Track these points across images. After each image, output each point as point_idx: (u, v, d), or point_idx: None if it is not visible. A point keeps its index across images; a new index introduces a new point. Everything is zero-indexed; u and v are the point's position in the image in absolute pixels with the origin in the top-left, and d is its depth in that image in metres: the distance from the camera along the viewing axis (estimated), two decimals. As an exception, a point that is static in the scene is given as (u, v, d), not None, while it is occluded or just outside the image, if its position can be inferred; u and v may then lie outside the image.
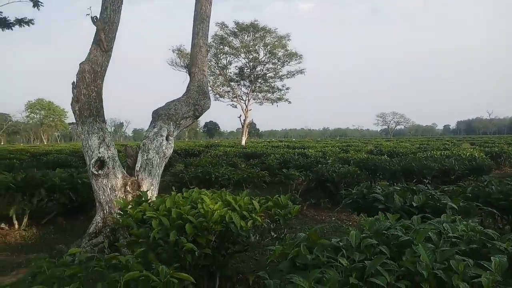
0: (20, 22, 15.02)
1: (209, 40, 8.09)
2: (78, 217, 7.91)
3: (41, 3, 14.44)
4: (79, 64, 6.24)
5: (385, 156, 14.05)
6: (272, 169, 10.65)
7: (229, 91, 45.00)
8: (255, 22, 40.76)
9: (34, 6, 14.39)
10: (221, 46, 42.26)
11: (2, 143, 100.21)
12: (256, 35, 41.53)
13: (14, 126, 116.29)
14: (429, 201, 4.42)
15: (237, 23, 41.04)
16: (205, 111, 7.44)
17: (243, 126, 43.57)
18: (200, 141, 62.53)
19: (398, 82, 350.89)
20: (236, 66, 44.02)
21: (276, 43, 41.65)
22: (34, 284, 2.43)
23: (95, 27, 6.30)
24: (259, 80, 44.10)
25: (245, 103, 44.34)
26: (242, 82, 44.72)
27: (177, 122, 6.94)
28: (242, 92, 45.24)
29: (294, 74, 43.63)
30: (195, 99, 7.21)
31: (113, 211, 5.70)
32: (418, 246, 2.46)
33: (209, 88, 8.21)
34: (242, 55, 42.76)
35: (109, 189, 5.86)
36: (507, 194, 5.04)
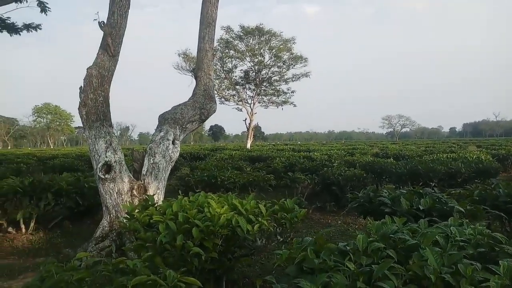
0: (28, 27, 15.17)
1: (215, 44, 8.11)
2: (85, 221, 7.96)
3: (49, 8, 14.57)
4: (86, 69, 6.29)
5: (391, 159, 14.00)
6: (277, 172, 10.66)
7: (234, 95, 45.09)
8: (260, 26, 40.86)
9: (41, 11, 14.50)
10: (227, 50, 42.35)
11: (9, 147, 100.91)
12: (262, 39, 41.58)
13: (21, 131, 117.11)
14: (436, 204, 4.40)
15: (242, 27, 41.16)
16: (211, 115, 7.46)
17: (248, 130, 43.58)
18: (205, 145, 62.66)
19: (404, 84, 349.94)
20: (242, 69, 44.16)
21: (281, 46, 41.68)
22: (42, 288, 2.45)
23: (102, 32, 6.35)
24: (264, 84, 44.13)
25: (250, 107, 44.37)
26: (247, 86, 44.77)
27: (183, 126, 6.96)
28: (247, 95, 45.33)
29: (299, 77, 43.64)
30: (201, 103, 7.23)
31: (120, 215, 5.72)
32: (425, 250, 2.45)
33: (215, 91, 8.23)
34: (248, 58, 42.82)
35: (116, 193, 5.89)
36: (514, 197, 5.00)
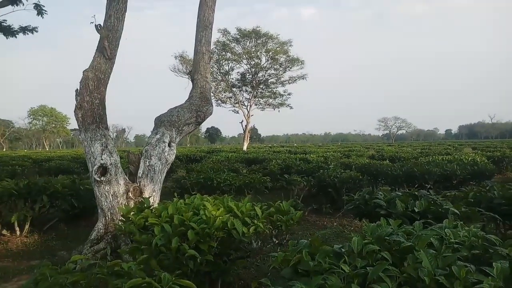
0: (24, 30, 15.16)
1: (212, 46, 8.13)
2: (80, 223, 7.93)
3: (45, 11, 14.55)
4: (83, 72, 6.29)
5: (387, 161, 14.05)
6: (273, 174, 10.66)
7: (231, 97, 45.12)
8: (257, 28, 40.97)
9: (38, 14, 14.49)
10: (224, 52, 42.43)
11: (4, 149, 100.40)
12: (258, 41, 41.69)
13: (17, 133, 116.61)
14: (431, 206, 4.42)
15: (239, 30, 41.27)
16: (207, 117, 7.47)
17: (244, 132, 43.61)
18: (201, 147, 62.59)
19: (400, 87, 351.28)
20: (238, 72, 44.27)
21: (278, 49, 41.78)
22: (36, 291, 2.44)
23: (99, 35, 6.35)
24: (261, 86, 44.20)
25: (246, 109, 44.44)
26: (244, 88, 44.85)
27: (180, 129, 6.96)
28: (244, 97, 45.39)
29: (295, 79, 43.76)
30: (198, 106, 7.23)
31: (115, 217, 5.71)
32: (420, 252, 2.46)
33: (211, 94, 8.23)
34: (244, 61, 42.92)
35: (111, 195, 5.88)
36: (509, 199, 5.03)
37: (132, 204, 5.81)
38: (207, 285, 3.79)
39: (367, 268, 2.36)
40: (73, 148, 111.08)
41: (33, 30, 15.32)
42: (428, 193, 5.11)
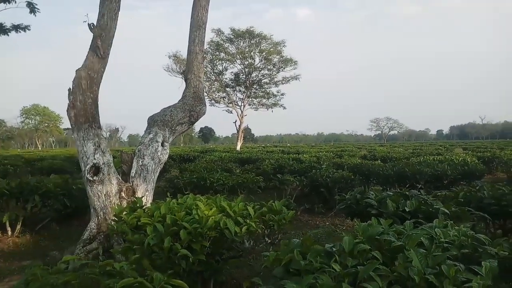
0: (17, 28, 15.03)
1: (205, 46, 8.14)
2: (73, 223, 7.90)
3: (38, 9, 14.45)
4: (76, 71, 6.26)
5: (379, 161, 14.14)
6: (266, 174, 10.69)
7: (224, 97, 45.08)
8: (251, 29, 41.00)
9: (30, 12, 14.37)
10: (217, 52, 42.40)
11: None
12: (252, 42, 41.71)
13: (9, 132, 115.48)
14: (422, 206, 4.46)
15: (233, 30, 41.26)
16: (201, 117, 7.47)
17: (238, 132, 43.61)
18: (195, 146, 62.47)
19: (393, 88, 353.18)
20: (232, 72, 44.25)
21: (271, 49, 41.83)
22: (28, 291, 2.43)
23: (92, 34, 6.32)
24: (255, 86, 44.23)
25: (240, 109, 44.45)
26: (237, 88, 44.85)
27: (173, 128, 6.96)
28: (237, 97, 45.38)
29: (289, 80, 43.83)
30: (191, 105, 7.23)
31: (108, 217, 5.70)
32: (410, 251, 2.49)
33: (205, 93, 8.24)
34: (238, 61, 42.92)
35: (104, 195, 5.86)
36: (498, 199, 5.09)
37: (124, 203, 5.79)
38: (200, 285, 3.80)
39: (358, 267, 2.38)
40: (66, 148, 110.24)
41: (25, 28, 15.19)
42: (419, 193, 5.16)
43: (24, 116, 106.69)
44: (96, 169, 5.91)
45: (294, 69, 43.35)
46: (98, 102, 6.43)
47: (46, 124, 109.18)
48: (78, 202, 7.37)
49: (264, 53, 41.93)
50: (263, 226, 4.02)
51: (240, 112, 44.22)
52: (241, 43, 41.96)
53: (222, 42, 41.82)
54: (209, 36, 41.44)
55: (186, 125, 7.28)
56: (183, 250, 3.17)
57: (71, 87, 6.21)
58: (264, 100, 45.53)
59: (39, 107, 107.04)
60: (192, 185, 8.50)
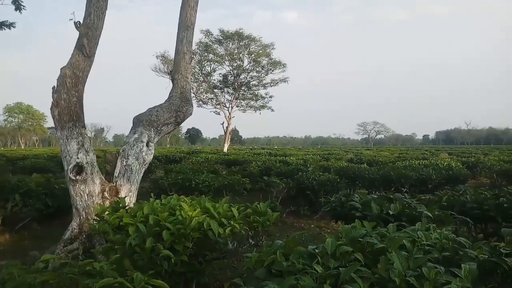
0: (1, 25, 14.77)
1: (194, 47, 8.10)
2: (54, 223, 7.76)
3: (24, 6, 14.21)
4: (60, 69, 6.16)
5: (365, 164, 14.24)
6: (253, 176, 10.67)
7: (212, 98, 44.99)
8: (240, 31, 41.05)
9: (16, 9, 14.13)
10: (206, 53, 42.31)
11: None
12: (241, 43, 41.76)
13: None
14: (406, 209, 4.50)
15: (222, 31, 41.24)
16: (187, 117, 7.42)
17: (225, 133, 43.54)
18: (181, 148, 62.09)
19: (380, 92, 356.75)
20: (220, 73, 44.22)
21: (260, 51, 41.95)
22: (4, 291, 2.37)
23: (78, 32, 6.24)
24: (243, 88, 44.26)
25: (228, 110, 44.39)
26: (225, 90, 44.83)
27: (158, 128, 6.90)
28: (225, 99, 45.34)
29: (277, 82, 43.98)
30: (177, 106, 7.18)
31: (90, 217, 5.61)
32: (392, 253, 2.50)
33: (193, 94, 8.21)
34: (227, 62, 42.92)
35: (87, 195, 5.77)
36: (480, 203, 5.16)
37: (107, 203, 5.71)
38: (182, 286, 3.76)
39: (340, 269, 2.38)
40: (50, 147, 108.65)
41: (10, 25, 14.95)
42: (403, 196, 5.21)
43: (7, 114, 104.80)
44: (79, 169, 5.83)
45: (282, 71, 43.55)
46: (83, 101, 6.35)
47: (30, 123, 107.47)
48: (61, 202, 7.25)
49: (253, 55, 42.00)
50: (247, 228, 4.00)
51: (228, 113, 44.19)
52: (230, 45, 41.98)
53: (210, 43, 41.78)
54: (197, 37, 41.44)
55: (172, 125, 7.22)
56: (165, 251, 3.13)
57: (55, 85, 6.12)
58: (252, 102, 45.60)
59: (22, 105, 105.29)
60: (177, 186, 8.43)
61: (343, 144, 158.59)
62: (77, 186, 5.76)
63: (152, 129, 6.75)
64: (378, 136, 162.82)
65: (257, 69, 43.20)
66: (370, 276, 2.34)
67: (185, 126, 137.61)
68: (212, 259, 3.97)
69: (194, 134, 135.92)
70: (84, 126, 6.24)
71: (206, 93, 44.96)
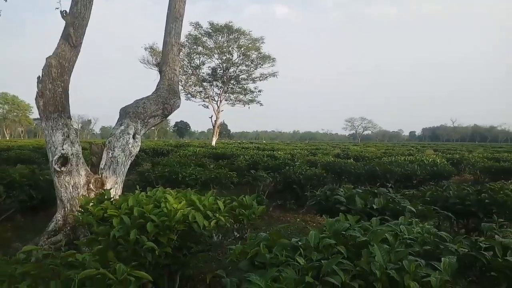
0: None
1: (183, 39, 8.05)
2: (39, 214, 7.67)
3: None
4: (46, 58, 6.06)
5: (351, 160, 14.35)
6: (240, 170, 10.68)
7: (201, 91, 44.79)
8: (230, 24, 40.82)
9: (-1, -3, 13.85)
10: (195, 46, 42.02)
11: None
12: (230, 37, 41.55)
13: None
14: (389, 204, 4.55)
15: (211, 24, 40.95)
16: (174, 110, 7.37)
17: (214, 127, 43.41)
18: (169, 141, 61.67)
19: (369, 89, 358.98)
20: (209, 66, 44.00)
21: (250, 45, 41.81)
22: (-16, 282, 2.35)
23: (64, 21, 6.14)
24: (232, 82, 44.14)
25: (217, 104, 44.23)
26: (214, 83, 44.66)
27: (145, 121, 6.84)
28: (214, 92, 45.19)
29: (266, 76, 43.96)
30: (165, 98, 7.13)
31: (75, 209, 5.56)
32: (374, 246, 2.53)
33: (181, 87, 8.15)
34: (216, 55, 42.70)
35: (72, 186, 5.72)
36: (463, 199, 5.26)
37: (93, 195, 5.67)
38: (166, 278, 3.76)
39: (322, 261, 2.41)
40: (35, 138, 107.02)
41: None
42: (388, 191, 5.26)
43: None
44: (64, 160, 5.76)
45: (272, 66, 43.53)
46: (69, 92, 6.26)
47: (15, 114, 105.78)
48: (45, 193, 7.17)
49: (242, 49, 41.86)
50: (233, 221, 4.01)
51: (216, 107, 44.03)
52: (220, 38, 41.75)
53: (200, 36, 41.48)
54: (186, 29, 41.09)
55: (159, 117, 7.17)
56: (149, 243, 3.12)
57: (40, 75, 6.02)
58: (241, 96, 45.55)
59: (8, 95, 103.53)
60: (163, 179, 8.40)
61: (330, 140, 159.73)
62: (62, 178, 5.70)
63: (138, 121, 6.70)
64: (365, 132, 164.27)
65: (246, 63, 43.13)
66: (351, 269, 2.38)
67: (173, 119, 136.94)
68: (197, 252, 3.98)
69: (182, 127, 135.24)
70: (69, 117, 6.17)
71: (194, 86, 44.76)
